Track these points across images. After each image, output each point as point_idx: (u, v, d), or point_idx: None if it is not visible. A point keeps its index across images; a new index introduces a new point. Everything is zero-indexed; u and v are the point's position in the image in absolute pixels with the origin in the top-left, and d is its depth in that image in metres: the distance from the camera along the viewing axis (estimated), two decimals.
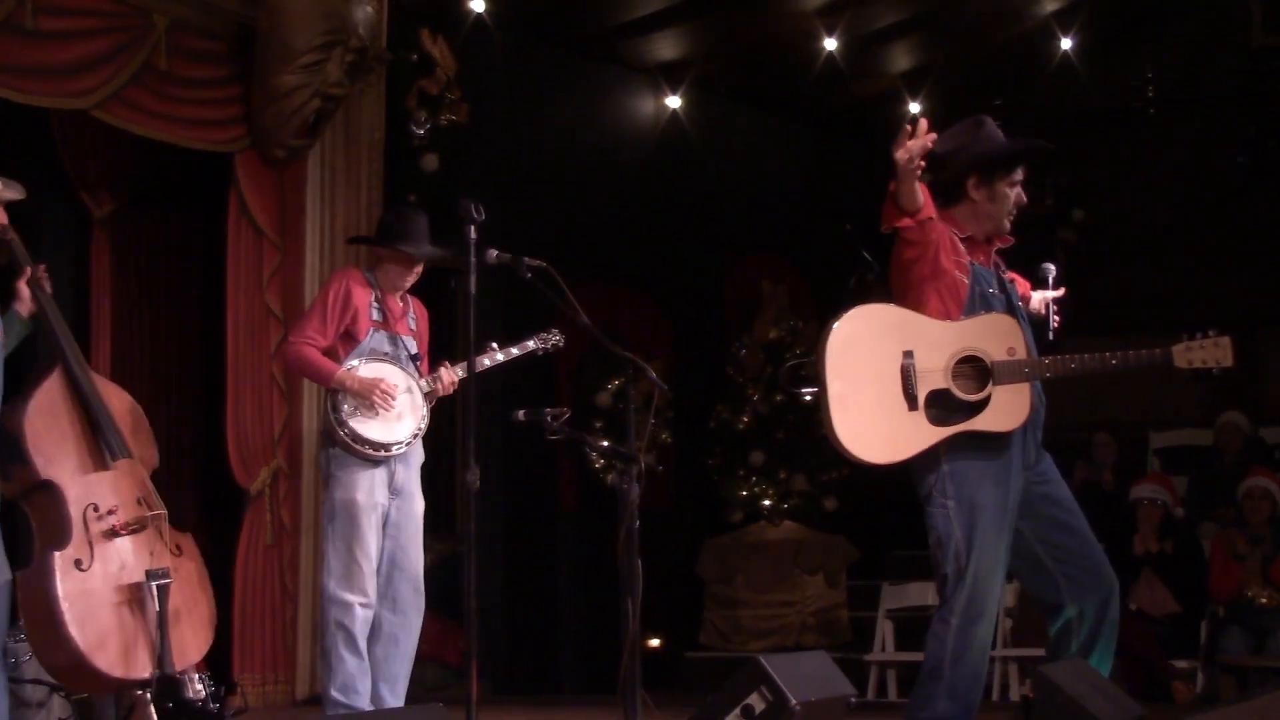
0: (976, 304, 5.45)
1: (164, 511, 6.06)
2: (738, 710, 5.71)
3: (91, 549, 5.91)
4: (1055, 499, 5.56)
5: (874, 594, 10.24)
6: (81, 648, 5.83)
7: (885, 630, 10.01)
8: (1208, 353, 5.41)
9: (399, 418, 6.48)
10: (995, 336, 5.40)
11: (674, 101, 11.06)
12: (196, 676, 6.82)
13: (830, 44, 10.38)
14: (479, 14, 9.45)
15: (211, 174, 8.71)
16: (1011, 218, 5.59)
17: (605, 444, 6.54)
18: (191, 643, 6.12)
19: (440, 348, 7.01)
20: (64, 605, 5.79)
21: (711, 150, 11.29)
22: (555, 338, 6.94)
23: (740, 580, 10.85)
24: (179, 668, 6.02)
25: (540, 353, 6.94)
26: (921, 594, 10.11)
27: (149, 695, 6.09)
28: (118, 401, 6.18)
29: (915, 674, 10.02)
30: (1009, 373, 5.33)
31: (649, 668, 6.24)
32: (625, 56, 10.81)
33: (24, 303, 5.94)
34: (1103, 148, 12.13)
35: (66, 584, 5.82)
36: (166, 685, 6.35)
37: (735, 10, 10.03)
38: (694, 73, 10.95)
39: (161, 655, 5.89)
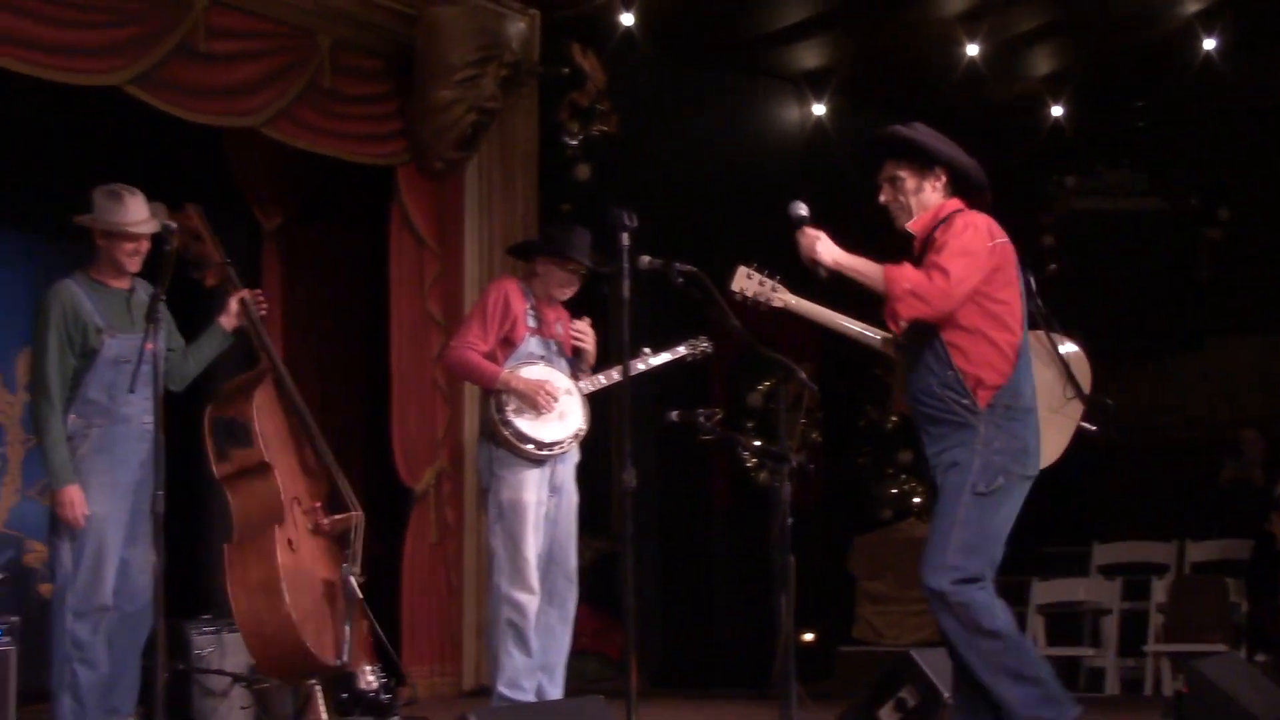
0: None
1: (359, 514, 6.23)
2: (891, 703, 5.70)
3: (298, 535, 6.13)
4: None
5: (1023, 590, 10.11)
6: (294, 617, 6.08)
7: (1036, 625, 9.88)
8: None
9: (560, 417, 6.52)
10: None
11: (818, 109, 11.01)
12: (368, 669, 6.93)
13: (972, 49, 10.27)
14: (628, 28, 9.48)
15: (374, 186, 8.81)
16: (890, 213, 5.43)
17: (757, 444, 6.53)
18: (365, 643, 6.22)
19: (596, 352, 7.03)
20: (283, 574, 6.07)
21: (855, 155, 11.20)
22: (704, 345, 6.94)
23: (891, 576, 10.77)
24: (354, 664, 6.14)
25: (690, 359, 6.94)
26: (1072, 590, 9.98)
27: (318, 686, 6.23)
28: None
29: (1065, 669, 9.92)
30: None
31: (803, 662, 6.22)
32: (770, 66, 10.78)
33: (230, 316, 6.33)
34: (1247, 146, 11.87)
35: (284, 556, 6.09)
36: (340, 677, 6.47)
37: (878, 18, 9.96)
38: (838, 81, 10.89)
39: (350, 647, 6.04)
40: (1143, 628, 9.63)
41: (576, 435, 6.61)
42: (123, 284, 6.17)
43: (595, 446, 6.91)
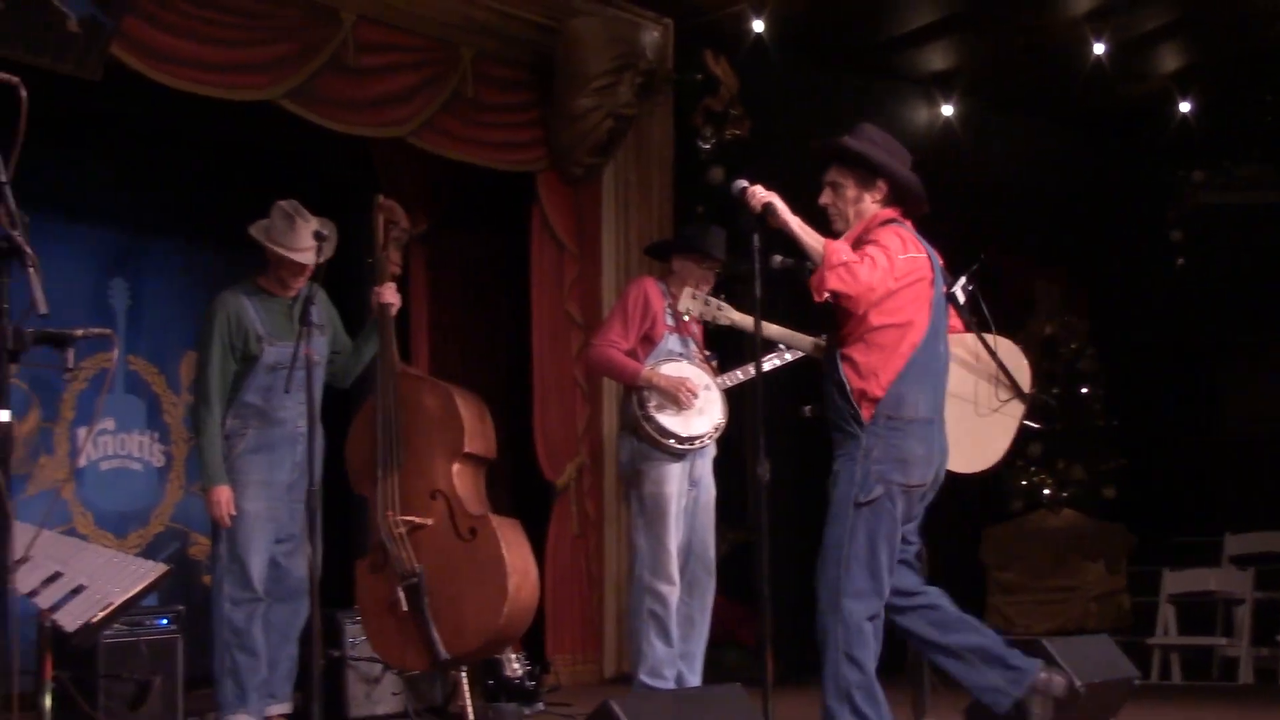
0: None
1: (410, 519, 6.24)
2: None
3: (386, 552, 6.19)
4: None
5: (1154, 580, 9.96)
6: (371, 643, 6.39)
7: (1168, 615, 9.73)
8: None
9: (700, 413, 6.53)
10: None
11: (947, 110, 10.90)
12: (514, 657, 6.99)
13: (1098, 48, 10.11)
14: (758, 34, 9.45)
15: (515, 192, 8.87)
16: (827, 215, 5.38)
17: None
18: (471, 626, 6.20)
19: (729, 349, 7.02)
20: (360, 605, 6.36)
21: (983, 155, 11.09)
22: None
23: (1021, 566, 10.64)
24: (460, 651, 6.16)
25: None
26: (1203, 580, 9.80)
27: (464, 674, 6.28)
28: (430, 398, 6.38)
29: (1198, 657, 9.73)
30: None
31: None
32: (898, 68, 10.69)
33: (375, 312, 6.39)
34: None
35: (360, 588, 6.23)
36: (487, 664, 6.51)
37: (1005, 19, 9.84)
38: (965, 81, 10.78)
39: (431, 645, 6.09)
40: (1276, 617, 9.43)
41: (716, 430, 6.62)
42: (288, 293, 6.28)
43: (730, 440, 6.90)
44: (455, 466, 6.30)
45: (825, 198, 5.38)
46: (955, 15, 9.79)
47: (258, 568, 6.18)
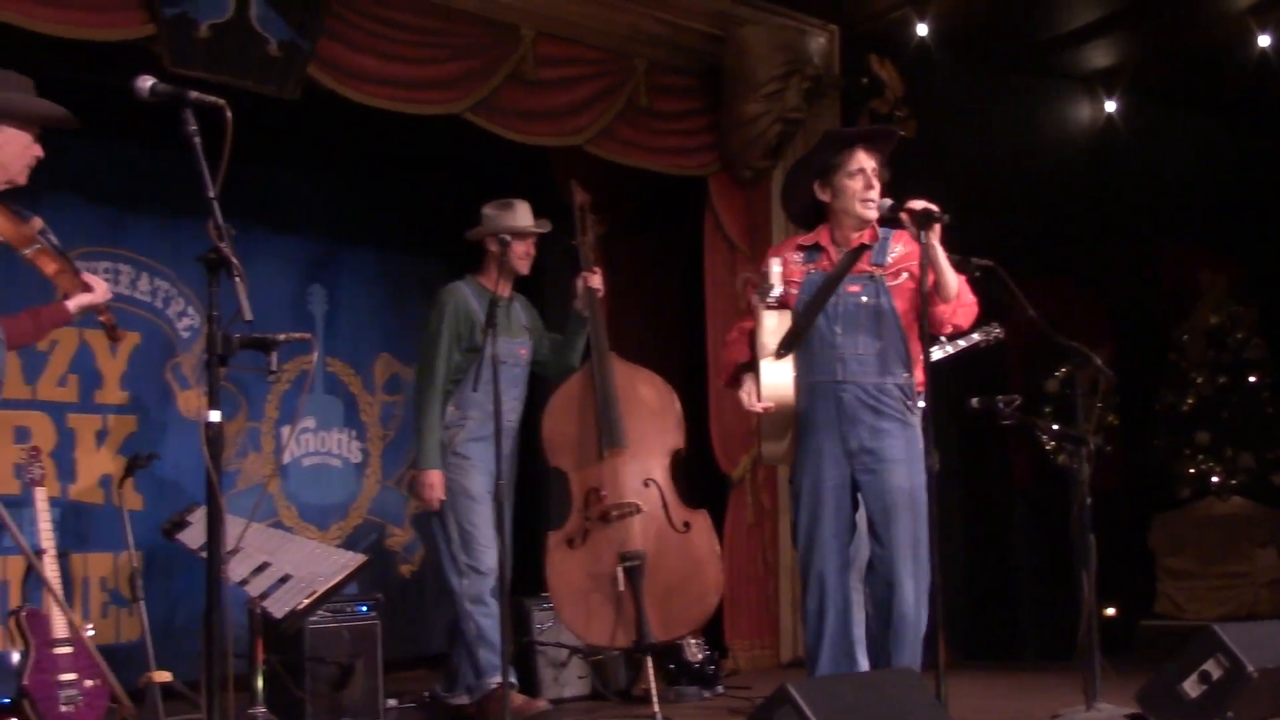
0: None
1: (634, 502, 6.27)
2: (1195, 676, 5.49)
3: (586, 530, 6.21)
4: None
5: None
6: (564, 616, 6.36)
7: None
8: None
9: None
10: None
11: (1109, 106, 10.70)
12: (694, 643, 7.01)
13: (1263, 40, 9.83)
14: (922, 37, 9.37)
15: (688, 195, 8.89)
16: (865, 204, 5.26)
17: (1055, 427, 6.38)
18: (681, 616, 6.23)
19: None
20: (551, 578, 6.33)
21: (1147, 149, 10.86)
22: (996, 330, 6.82)
23: (1191, 552, 10.42)
24: (665, 637, 6.17)
25: (983, 345, 6.83)
26: None
27: (649, 659, 6.31)
28: (647, 388, 6.44)
29: None
30: None
31: (1106, 635, 6.06)
32: (1061, 67, 10.51)
33: (580, 299, 6.53)
34: None
35: (554, 560, 6.23)
36: (669, 649, 6.53)
37: (1168, 14, 9.62)
38: (1128, 78, 10.56)
39: (640, 627, 6.10)
40: None
41: None
42: (504, 291, 6.35)
43: None
44: (667, 460, 6.37)
45: (875, 181, 5.33)
46: (1118, 12, 9.60)
47: (494, 544, 6.19)
